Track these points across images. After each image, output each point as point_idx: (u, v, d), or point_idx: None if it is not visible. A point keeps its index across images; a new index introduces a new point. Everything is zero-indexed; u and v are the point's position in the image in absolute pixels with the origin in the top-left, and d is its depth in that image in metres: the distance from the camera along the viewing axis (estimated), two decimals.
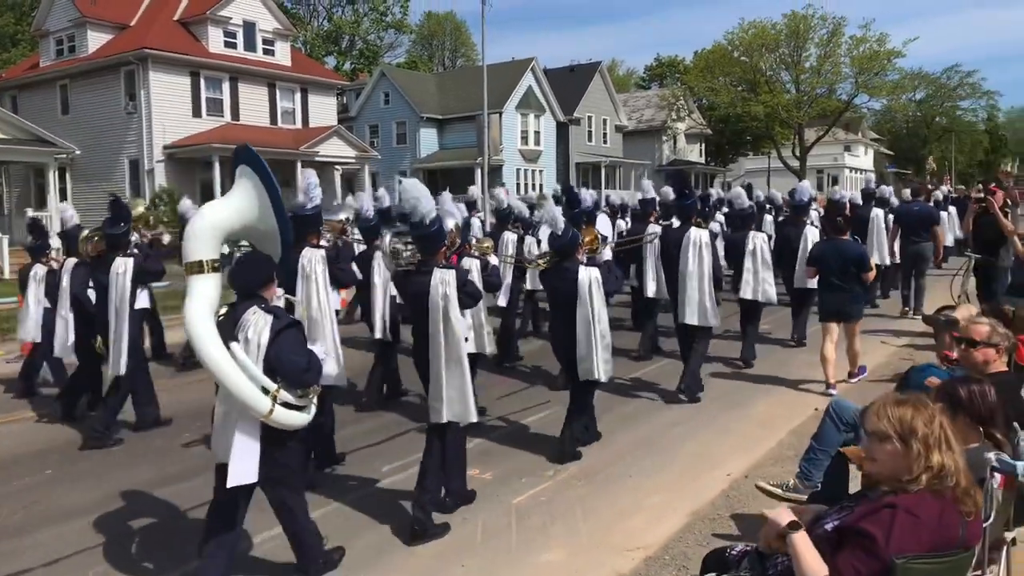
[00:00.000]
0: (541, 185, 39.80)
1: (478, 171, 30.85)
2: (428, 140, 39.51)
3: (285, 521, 4.14)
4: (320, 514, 4.75)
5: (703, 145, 54.11)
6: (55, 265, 8.12)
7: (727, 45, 46.88)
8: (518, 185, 37.82)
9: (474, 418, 4.87)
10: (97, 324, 6.96)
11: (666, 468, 5.83)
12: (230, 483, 3.77)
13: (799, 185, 11.39)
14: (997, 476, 3.00)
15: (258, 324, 3.84)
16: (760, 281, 8.95)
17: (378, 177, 38.97)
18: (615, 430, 6.72)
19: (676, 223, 8.17)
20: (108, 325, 6.72)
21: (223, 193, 25.81)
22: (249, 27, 28.26)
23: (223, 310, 3.90)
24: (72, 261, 7.57)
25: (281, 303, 4.26)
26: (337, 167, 30.90)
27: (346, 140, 29.81)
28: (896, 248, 12.33)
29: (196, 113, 26.44)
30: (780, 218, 13.65)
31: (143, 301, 7.21)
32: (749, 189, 13.30)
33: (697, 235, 7.68)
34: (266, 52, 28.92)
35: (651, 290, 9.46)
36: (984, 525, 2.87)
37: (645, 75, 72.04)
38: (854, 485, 3.98)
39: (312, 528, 4.21)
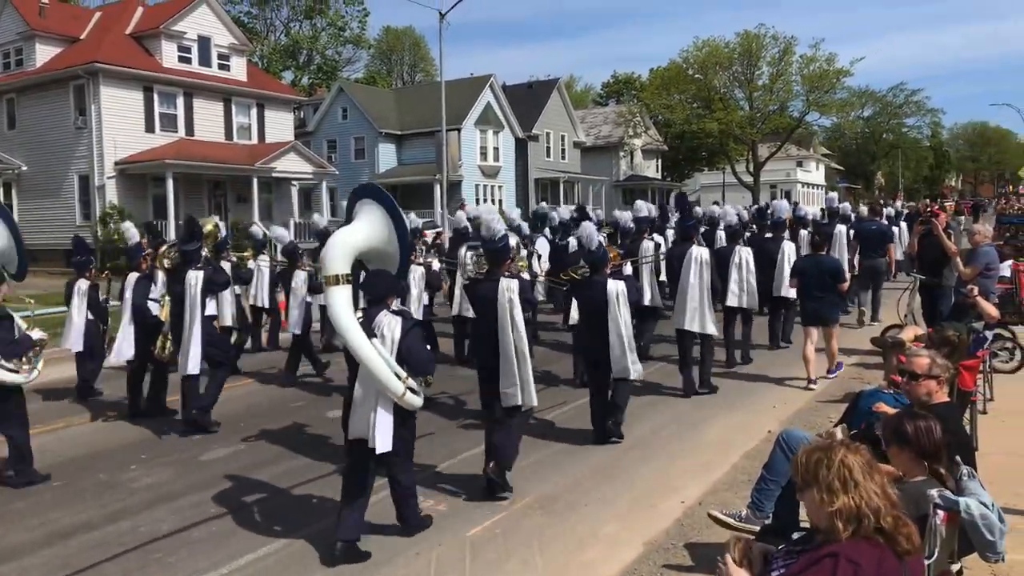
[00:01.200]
0: (500, 201, 39.89)
1: (437, 187, 30.82)
2: (387, 155, 39.35)
3: (396, 485, 5.05)
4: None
5: (659, 161, 54.83)
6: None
7: (682, 63, 47.68)
8: (477, 201, 37.83)
9: (533, 403, 5.87)
10: (171, 330, 7.80)
11: (622, 495, 5.84)
12: (379, 450, 4.68)
13: (776, 204, 12.33)
14: (940, 512, 3.07)
15: (391, 324, 4.85)
16: (744, 289, 9.86)
17: (336, 192, 38.69)
18: (572, 454, 6.73)
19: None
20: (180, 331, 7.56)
21: (176, 209, 25.44)
22: (204, 42, 27.91)
23: (359, 315, 4.85)
24: (134, 276, 8.44)
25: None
26: (294, 183, 30.60)
27: (303, 156, 29.54)
28: (855, 262, 13.04)
29: (149, 128, 25.98)
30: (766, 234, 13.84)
31: (211, 309, 8.03)
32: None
33: (698, 252, 8.69)
34: (221, 67, 28.57)
35: (647, 299, 10.13)
36: (927, 562, 2.92)
37: (602, 92, 72.81)
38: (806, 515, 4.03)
39: (414, 492, 5.17)
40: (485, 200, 38.77)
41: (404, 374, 4.74)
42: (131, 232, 9.47)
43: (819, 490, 2.52)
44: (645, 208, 11.88)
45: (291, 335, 10.17)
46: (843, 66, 44.04)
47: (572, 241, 11.81)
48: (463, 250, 8.47)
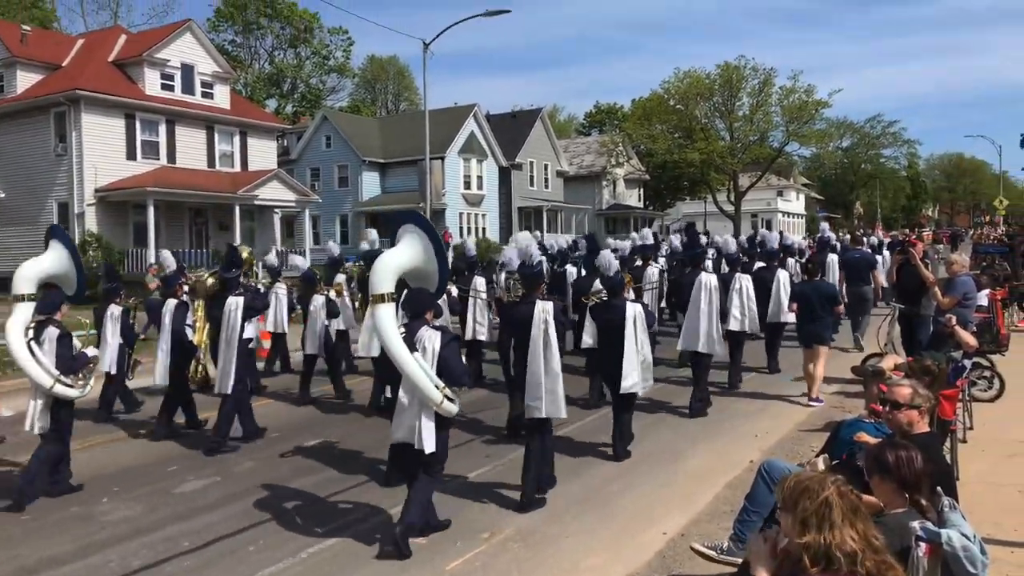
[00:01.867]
0: (484, 229, 39.99)
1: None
2: (370, 183, 39.40)
3: (419, 483, 5.36)
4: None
5: (642, 190, 55.29)
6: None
7: (663, 94, 48.24)
8: (461, 229, 37.88)
9: (564, 414, 6.26)
10: (210, 352, 8.44)
11: (603, 526, 5.77)
12: (426, 451, 5.17)
13: (766, 234, 13.11)
14: (923, 544, 3.04)
15: (431, 338, 5.34)
16: (746, 314, 10.39)
17: (319, 220, 38.61)
18: (555, 485, 6.64)
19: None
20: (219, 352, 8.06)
21: (157, 236, 25.21)
22: (187, 70, 27.92)
23: (401, 330, 5.30)
24: (173, 302, 8.74)
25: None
26: (276, 210, 30.51)
27: (286, 183, 29.50)
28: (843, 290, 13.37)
29: (131, 155, 25.84)
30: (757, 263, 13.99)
31: (249, 332, 8.43)
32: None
33: (707, 279, 9.29)
34: (204, 95, 28.57)
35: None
36: None
37: (585, 122, 73.55)
38: None
39: (431, 493, 5.52)
40: (468, 228, 38.86)
41: (442, 384, 5.23)
42: (169, 260, 10.09)
43: (794, 519, 2.50)
44: (650, 236, 12.58)
45: (303, 356, 10.61)
46: (821, 97, 44.78)
47: (570, 268, 12.65)
48: (502, 276, 9.10)
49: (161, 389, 8.79)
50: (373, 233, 11.50)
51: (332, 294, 10.43)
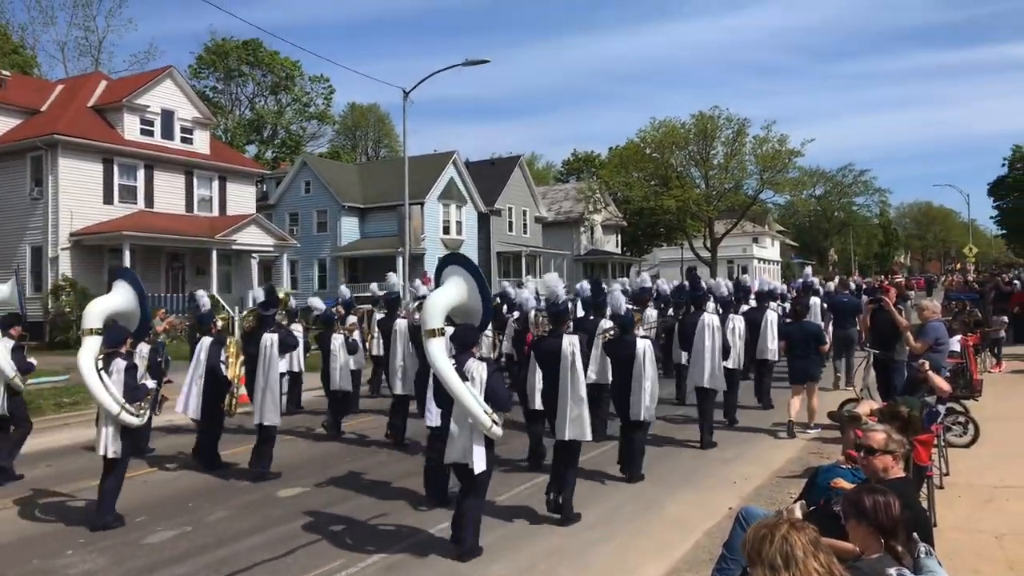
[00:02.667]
0: None
1: (400, 259, 30.84)
2: (349, 228, 39.45)
3: (469, 500, 5.99)
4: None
5: (619, 236, 55.82)
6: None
7: (639, 142, 49.05)
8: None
9: (589, 437, 6.99)
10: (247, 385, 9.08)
11: None
12: (477, 471, 5.79)
13: (746, 279, 14.33)
14: None
15: (479, 368, 5.96)
16: (737, 353, 11.27)
17: (297, 265, 38.48)
18: (527, 535, 6.56)
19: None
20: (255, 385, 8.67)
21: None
22: (167, 115, 28.03)
23: (452, 362, 5.84)
24: (208, 340, 9.46)
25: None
26: (254, 255, 30.40)
27: (264, 228, 29.46)
28: (828, 332, 14.09)
29: (108, 200, 25.75)
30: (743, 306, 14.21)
31: (283, 367, 9.29)
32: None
33: (710, 319, 10.02)
34: (184, 140, 28.64)
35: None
36: None
37: (563, 169, 74.53)
38: None
39: (480, 512, 6.17)
40: None
41: (490, 409, 5.77)
42: (204, 300, 10.74)
43: (763, 567, 2.49)
44: (648, 280, 12.95)
45: (329, 393, 11.24)
46: (794, 147, 45.76)
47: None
48: (532, 313, 9.87)
49: (192, 422, 9.49)
50: (393, 277, 12.39)
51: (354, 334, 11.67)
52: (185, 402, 9.42)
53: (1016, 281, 24.78)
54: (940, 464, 7.28)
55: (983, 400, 10.79)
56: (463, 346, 6.10)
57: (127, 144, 26.34)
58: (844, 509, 3.48)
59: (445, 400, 6.06)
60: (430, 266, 37.34)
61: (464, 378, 5.78)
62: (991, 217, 64.98)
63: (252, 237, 28.63)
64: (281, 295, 9.99)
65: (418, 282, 13.49)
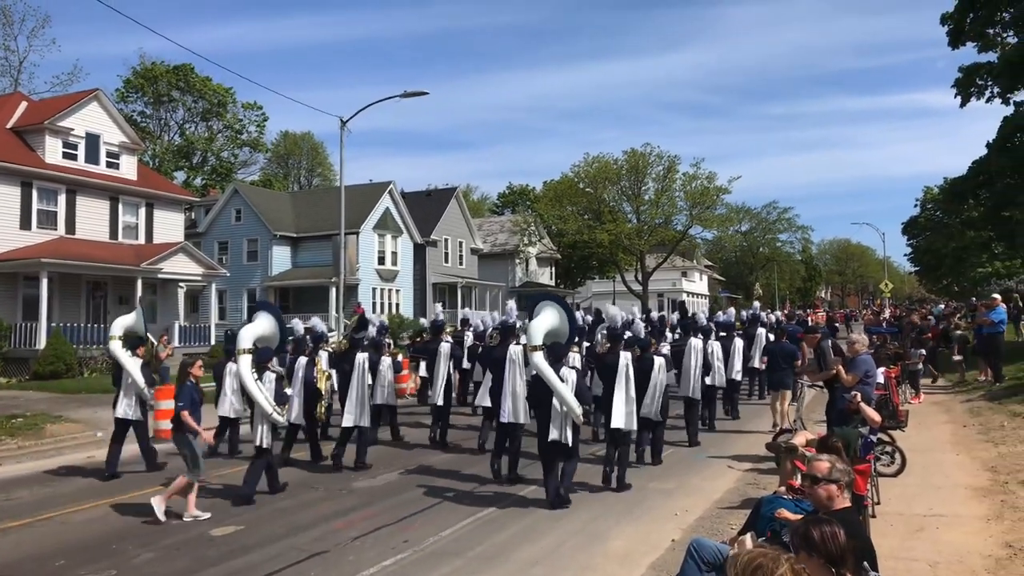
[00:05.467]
0: (398, 304, 39.69)
1: (333, 290, 30.38)
2: (281, 258, 38.71)
3: (563, 471, 8.44)
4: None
5: (553, 268, 56.36)
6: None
7: (574, 177, 49.87)
8: (374, 304, 37.48)
9: (635, 427, 9.44)
10: (339, 394, 11.33)
11: None
12: (570, 444, 8.31)
13: (698, 313, 15.96)
14: None
15: (569, 374, 8.35)
16: (717, 372, 13.65)
17: (226, 295, 37.47)
18: (473, 572, 6.45)
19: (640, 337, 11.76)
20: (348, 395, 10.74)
21: (50, 309, 23.90)
22: (92, 139, 27.09)
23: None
24: (303, 359, 11.42)
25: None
26: (181, 284, 29.51)
27: (193, 257, 28.64)
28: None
29: (25, 225, 24.59)
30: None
31: (370, 380, 11.09)
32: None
33: (696, 343, 12.58)
34: (110, 165, 27.71)
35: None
36: None
37: (498, 201, 75.00)
38: None
39: (572, 475, 8.61)
40: (381, 303, 38.52)
41: (577, 403, 8.20)
42: (298, 328, 12.96)
43: None
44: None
45: (378, 407, 12.20)
46: (722, 184, 47.26)
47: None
48: (597, 334, 12.41)
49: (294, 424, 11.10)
50: (438, 307, 15.46)
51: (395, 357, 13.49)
52: (288, 410, 10.48)
53: (931, 317, 26.03)
54: (873, 494, 7.50)
55: (907, 431, 11.22)
56: (556, 358, 8.40)
57: (48, 168, 25.27)
58: (793, 542, 3.52)
59: (537, 398, 8.50)
60: (364, 297, 36.96)
61: (562, 379, 8.19)
62: (905, 255, 68.44)
63: (179, 266, 27.78)
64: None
65: (473, 312, 14.69)
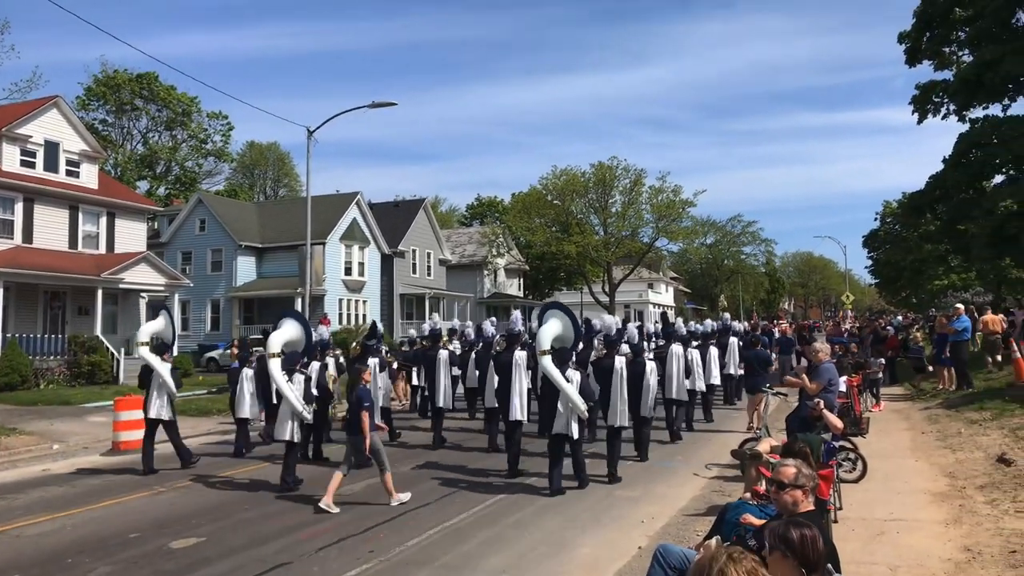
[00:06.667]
0: (365, 315, 39.39)
1: (299, 300, 30.05)
2: (246, 268, 38.23)
3: (575, 460, 9.50)
4: None
5: (521, 280, 56.44)
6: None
7: (542, 189, 50.10)
8: (340, 315, 37.16)
9: (627, 423, 10.43)
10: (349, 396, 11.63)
11: None
12: (575, 437, 9.28)
13: (678, 323, 16.13)
14: None
15: (574, 374, 9.35)
16: (695, 378, 14.49)
17: (189, 305, 36.91)
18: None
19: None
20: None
21: (5, 320, 23.37)
22: (52, 147, 26.58)
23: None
24: (316, 364, 11.90)
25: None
26: (143, 295, 28.99)
27: (155, 267, 28.18)
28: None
29: None
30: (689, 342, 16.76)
31: (385, 381, 13.09)
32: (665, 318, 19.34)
33: (678, 349, 13.54)
34: (69, 173, 27.19)
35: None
36: None
37: (467, 213, 75.00)
38: None
39: (584, 463, 9.72)
40: (349, 314, 38.21)
41: (582, 400, 9.19)
42: (323, 332, 13.92)
43: None
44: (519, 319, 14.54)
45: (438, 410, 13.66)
46: (687, 197, 47.85)
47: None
48: (596, 341, 13.11)
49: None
50: (435, 316, 15.91)
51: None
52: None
53: (890, 327, 26.55)
54: (834, 499, 7.60)
55: (868, 437, 11.40)
56: (563, 361, 9.33)
57: (5, 175, 24.71)
58: (771, 543, 3.48)
59: (548, 396, 9.36)
60: (331, 307, 36.64)
61: (568, 380, 9.14)
62: (866, 267, 69.61)
63: (141, 276, 27.31)
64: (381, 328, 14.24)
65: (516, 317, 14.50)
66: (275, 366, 9.93)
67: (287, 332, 10.43)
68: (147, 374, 11.63)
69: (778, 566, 3.34)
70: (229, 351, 22.01)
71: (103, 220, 28.36)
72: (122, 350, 24.95)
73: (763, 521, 4.61)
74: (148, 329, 12.22)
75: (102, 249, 28.00)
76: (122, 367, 24.21)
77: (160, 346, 11.99)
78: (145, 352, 11.73)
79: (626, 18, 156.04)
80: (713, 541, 4.18)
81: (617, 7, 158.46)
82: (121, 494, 9.67)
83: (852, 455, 9.31)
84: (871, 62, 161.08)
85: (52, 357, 23.50)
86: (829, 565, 3.48)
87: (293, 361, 10.22)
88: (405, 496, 8.98)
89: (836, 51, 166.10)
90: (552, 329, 9.51)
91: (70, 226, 27.08)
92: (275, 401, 14.14)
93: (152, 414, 11.41)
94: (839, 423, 7.65)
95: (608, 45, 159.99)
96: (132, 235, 29.63)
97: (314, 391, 10.54)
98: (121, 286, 26.57)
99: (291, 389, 9.82)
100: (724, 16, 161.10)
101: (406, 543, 7.35)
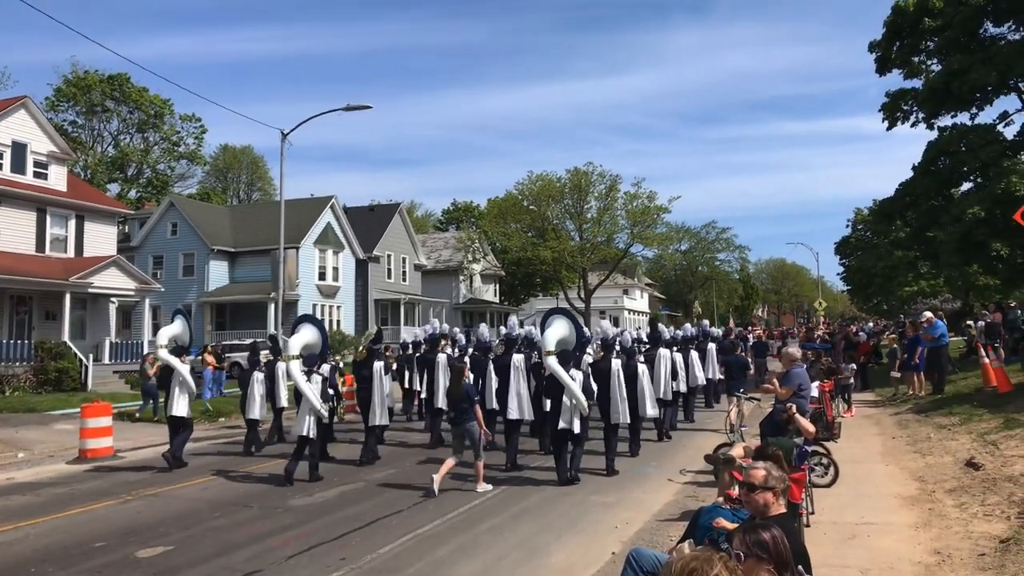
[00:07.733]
0: (339, 321, 39.11)
1: (272, 305, 29.76)
2: (218, 273, 37.81)
3: (574, 453, 10.14)
4: None
5: (497, 285, 56.41)
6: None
7: (518, 195, 50.16)
8: None
9: (627, 420, 11.21)
10: (358, 396, 13.19)
11: None
12: (577, 432, 9.91)
13: (662, 328, 16.23)
14: None
15: (577, 374, 9.96)
16: (680, 381, 15.12)
17: (160, 310, 36.42)
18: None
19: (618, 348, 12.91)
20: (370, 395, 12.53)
21: None
22: (19, 148, 26.10)
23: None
24: (327, 366, 11.82)
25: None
26: (113, 299, 28.54)
27: (125, 271, 27.77)
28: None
29: None
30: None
31: (388, 384, 13.20)
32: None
33: (665, 353, 14.28)
34: (37, 175, 26.72)
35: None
36: None
37: (443, 218, 74.85)
38: None
39: (580, 457, 10.35)
40: (322, 320, 37.89)
41: (584, 397, 9.88)
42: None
43: None
44: (517, 325, 14.76)
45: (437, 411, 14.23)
46: (662, 203, 48.13)
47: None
48: (595, 345, 13.73)
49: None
50: (435, 321, 16.40)
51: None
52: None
53: (862, 333, 26.88)
54: (806, 503, 7.63)
55: (839, 442, 11.50)
56: (565, 362, 9.96)
57: None
58: (744, 551, 3.46)
59: (553, 393, 10.06)
60: (305, 312, 36.29)
61: (572, 378, 9.76)
62: (838, 274, 70.51)
63: (111, 280, 26.89)
64: (372, 332, 15.17)
65: (514, 322, 14.73)
66: (295, 367, 10.67)
67: (305, 336, 11.10)
68: (166, 376, 12.40)
69: (755, 570, 3.32)
70: (201, 357, 21.61)
71: (72, 223, 27.90)
72: (91, 356, 24.53)
73: (735, 525, 4.62)
74: (167, 332, 12.59)
75: (70, 253, 27.54)
76: (90, 373, 23.76)
77: (177, 348, 12.46)
78: (165, 354, 12.27)
79: (604, 26, 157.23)
80: (685, 545, 4.16)
81: (595, 16, 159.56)
82: (87, 502, 9.48)
83: (824, 460, 9.38)
84: (845, 72, 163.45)
85: (18, 363, 23.01)
86: (800, 567, 3.47)
87: (311, 363, 10.91)
88: (487, 487, 9.76)
89: (811, 61, 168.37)
90: (556, 332, 10.12)
91: (37, 229, 26.60)
92: (282, 404, 14.77)
93: (174, 412, 12.03)
94: (811, 427, 7.70)
95: (586, 53, 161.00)
96: (102, 238, 29.18)
97: (329, 391, 11.22)
98: (90, 290, 26.13)
99: (311, 388, 10.49)
100: (701, 26, 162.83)
101: (378, 550, 7.26)
